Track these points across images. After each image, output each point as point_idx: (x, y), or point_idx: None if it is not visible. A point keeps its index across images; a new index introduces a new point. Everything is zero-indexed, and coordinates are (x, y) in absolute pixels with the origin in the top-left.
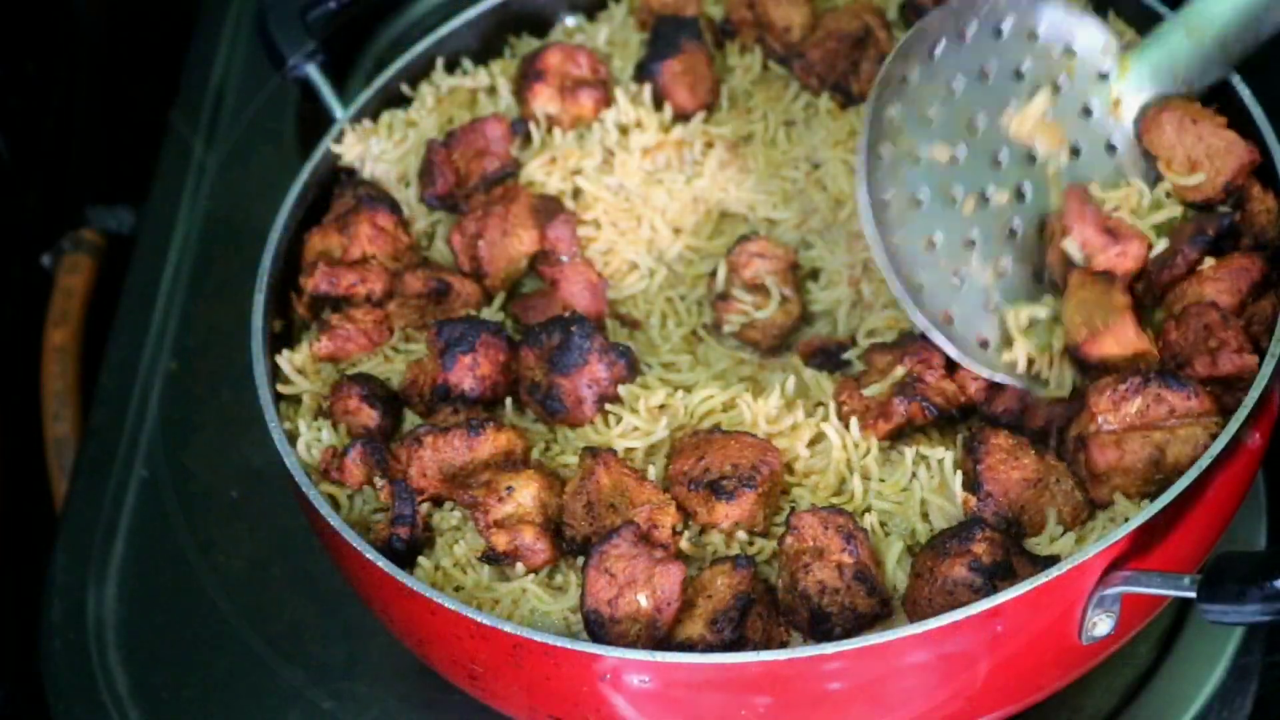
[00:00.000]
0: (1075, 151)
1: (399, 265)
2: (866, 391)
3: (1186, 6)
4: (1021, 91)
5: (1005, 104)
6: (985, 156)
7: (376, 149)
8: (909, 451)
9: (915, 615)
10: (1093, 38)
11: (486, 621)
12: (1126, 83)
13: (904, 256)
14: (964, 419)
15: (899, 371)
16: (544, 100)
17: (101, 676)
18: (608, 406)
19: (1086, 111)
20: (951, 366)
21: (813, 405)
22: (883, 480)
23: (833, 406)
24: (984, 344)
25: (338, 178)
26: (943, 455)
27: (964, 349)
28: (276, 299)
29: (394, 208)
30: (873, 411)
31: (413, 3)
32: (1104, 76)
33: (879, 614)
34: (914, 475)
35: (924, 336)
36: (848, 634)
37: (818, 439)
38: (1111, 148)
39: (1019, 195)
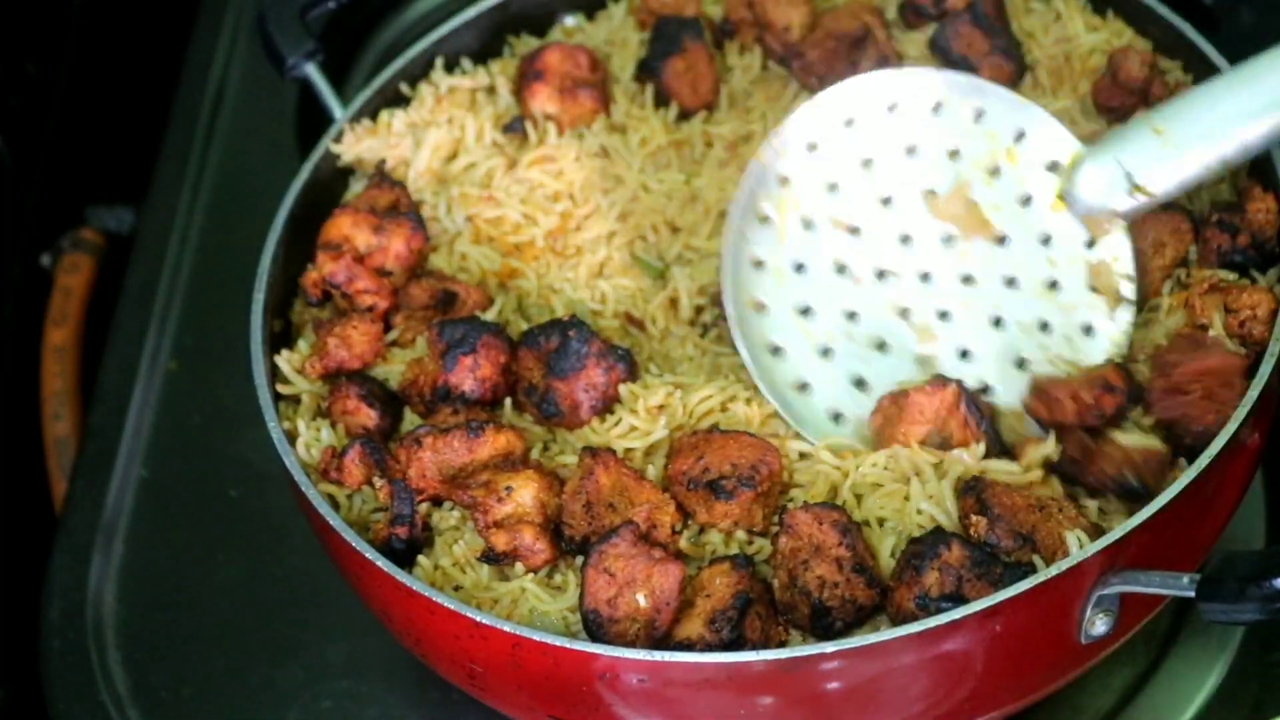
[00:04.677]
0: (1001, 239)
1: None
2: None
3: (1160, 105)
4: (952, 172)
5: (931, 182)
6: (894, 232)
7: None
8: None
9: (895, 620)
10: (1046, 127)
11: (485, 621)
12: (1077, 177)
13: (767, 317)
14: None
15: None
16: (543, 100)
17: (101, 676)
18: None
19: (1025, 200)
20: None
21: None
22: (880, 486)
23: None
24: (836, 417)
25: (342, 176)
26: (934, 462)
27: (799, 418)
28: (276, 299)
29: (422, 227)
30: None
31: (413, 3)
32: (1052, 167)
33: (879, 604)
34: (910, 481)
35: None
36: (849, 626)
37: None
38: (1046, 239)
39: (924, 278)
